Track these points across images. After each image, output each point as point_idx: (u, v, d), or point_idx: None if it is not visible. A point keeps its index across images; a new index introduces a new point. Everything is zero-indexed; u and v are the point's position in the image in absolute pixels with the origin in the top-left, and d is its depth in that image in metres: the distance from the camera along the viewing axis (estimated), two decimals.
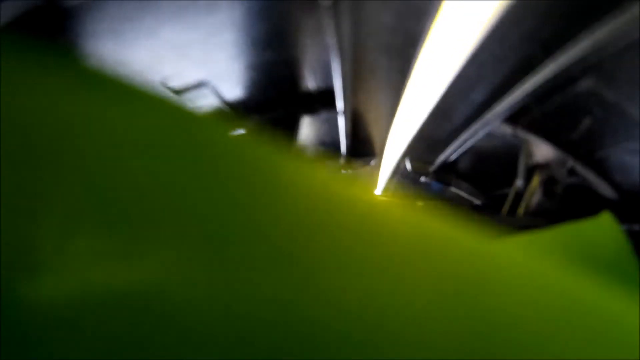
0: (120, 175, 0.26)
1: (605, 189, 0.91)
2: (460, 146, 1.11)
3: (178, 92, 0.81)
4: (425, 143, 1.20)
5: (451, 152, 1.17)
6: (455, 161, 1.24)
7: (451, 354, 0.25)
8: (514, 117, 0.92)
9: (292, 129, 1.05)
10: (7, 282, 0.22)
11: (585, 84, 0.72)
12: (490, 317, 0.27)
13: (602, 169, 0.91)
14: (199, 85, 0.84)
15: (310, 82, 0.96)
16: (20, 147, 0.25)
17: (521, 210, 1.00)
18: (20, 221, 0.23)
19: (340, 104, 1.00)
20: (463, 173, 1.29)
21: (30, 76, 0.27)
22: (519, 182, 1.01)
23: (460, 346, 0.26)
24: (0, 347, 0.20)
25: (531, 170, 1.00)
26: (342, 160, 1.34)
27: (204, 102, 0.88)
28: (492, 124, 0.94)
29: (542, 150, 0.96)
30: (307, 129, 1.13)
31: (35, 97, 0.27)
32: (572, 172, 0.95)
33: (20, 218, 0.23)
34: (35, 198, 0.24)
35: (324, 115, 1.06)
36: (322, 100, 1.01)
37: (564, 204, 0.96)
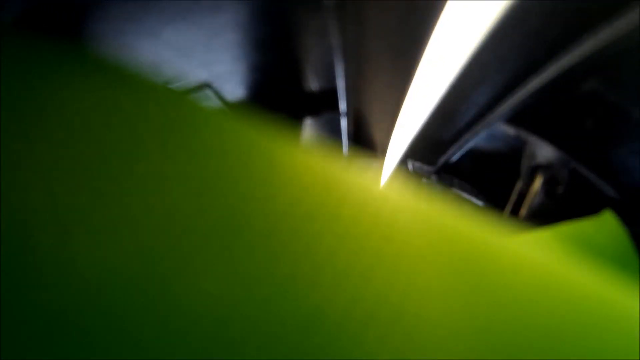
0: (124, 170, 0.26)
1: (608, 191, 0.91)
2: (462, 147, 1.11)
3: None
4: (428, 144, 1.20)
5: (453, 153, 1.17)
6: (458, 162, 1.23)
7: (461, 347, 0.25)
8: (516, 118, 0.91)
9: (295, 130, 1.05)
10: (7, 281, 0.22)
11: (589, 85, 0.72)
12: (498, 312, 0.27)
13: (605, 171, 0.90)
14: (202, 86, 0.84)
15: (313, 84, 0.96)
16: (22, 144, 0.25)
17: (523, 211, 1.00)
18: (23, 221, 0.23)
19: (343, 105, 1.00)
20: (465, 174, 1.29)
21: (37, 72, 0.28)
22: (521, 183, 1.01)
23: (469, 339, 0.26)
24: (0, 347, 0.20)
25: (533, 171, 1.00)
26: (343, 161, 1.34)
27: (207, 103, 0.88)
28: (495, 125, 0.94)
29: (545, 152, 0.96)
30: (310, 130, 1.13)
31: (38, 93, 0.27)
32: (574, 173, 0.95)
33: (23, 217, 0.23)
34: (37, 194, 0.24)
35: (326, 116, 1.06)
36: (325, 102, 1.01)
37: (566, 205, 0.96)
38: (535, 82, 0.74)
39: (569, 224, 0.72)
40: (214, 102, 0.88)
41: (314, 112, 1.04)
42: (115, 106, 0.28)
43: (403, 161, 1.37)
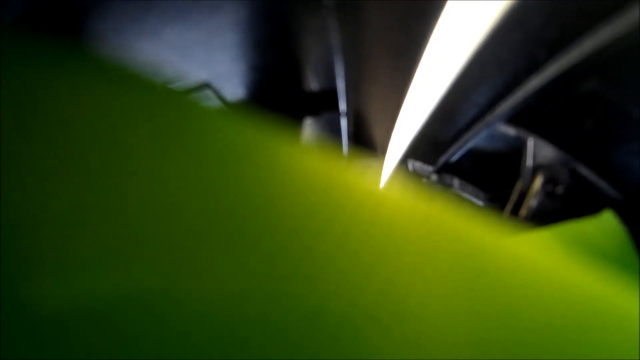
0: (124, 170, 0.26)
1: (608, 190, 0.91)
2: (462, 147, 1.11)
3: None
4: (428, 144, 1.20)
5: (453, 153, 1.17)
6: (458, 162, 1.23)
7: (462, 347, 0.25)
8: (516, 118, 0.91)
9: (295, 130, 1.05)
10: (8, 283, 0.22)
11: (589, 85, 0.72)
12: (498, 312, 0.27)
13: (605, 170, 0.90)
14: (202, 86, 0.84)
15: (313, 84, 0.96)
16: (22, 145, 0.25)
17: (523, 211, 1.00)
18: (22, 222, 0.23)
19: (343, 105, 1.00)
20: (465, 174, 1.29)
21: (37, 72, 0.28)
22: (521, 183, 1.01)
23: (470, 339, 0.26)
24: (0, 347, 0.20)
25: (533, 171, 1.00)
26: (343, 161, 1.33)
27: (207, 103, 0.88)
28: (495, 124, 0.94)
29: (545, 151, 0.96)
30: (310, 130, 1.13)
31: (38, 93, 0.27)
32: (574, 173, 0.95)
33: (23, 218, 0.23)
34: (37, 194, 0.24)
35: (326, 116, 1.06)
36: (325, 102, 1.01)
37: (566, 205, 0.96)
38: (535, 82, 0.74)
39: (569, 224, 0.72)
40: (214, 102, 0.88)
41: (314, 112, 1.04)
42: (115, 106, 0.28)
43: (403, 161, 1.37)
